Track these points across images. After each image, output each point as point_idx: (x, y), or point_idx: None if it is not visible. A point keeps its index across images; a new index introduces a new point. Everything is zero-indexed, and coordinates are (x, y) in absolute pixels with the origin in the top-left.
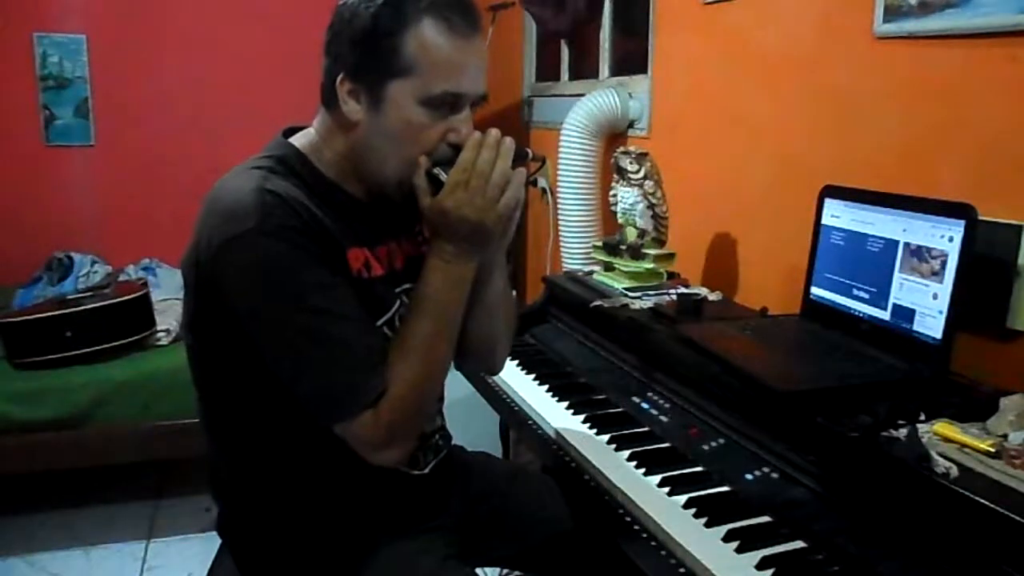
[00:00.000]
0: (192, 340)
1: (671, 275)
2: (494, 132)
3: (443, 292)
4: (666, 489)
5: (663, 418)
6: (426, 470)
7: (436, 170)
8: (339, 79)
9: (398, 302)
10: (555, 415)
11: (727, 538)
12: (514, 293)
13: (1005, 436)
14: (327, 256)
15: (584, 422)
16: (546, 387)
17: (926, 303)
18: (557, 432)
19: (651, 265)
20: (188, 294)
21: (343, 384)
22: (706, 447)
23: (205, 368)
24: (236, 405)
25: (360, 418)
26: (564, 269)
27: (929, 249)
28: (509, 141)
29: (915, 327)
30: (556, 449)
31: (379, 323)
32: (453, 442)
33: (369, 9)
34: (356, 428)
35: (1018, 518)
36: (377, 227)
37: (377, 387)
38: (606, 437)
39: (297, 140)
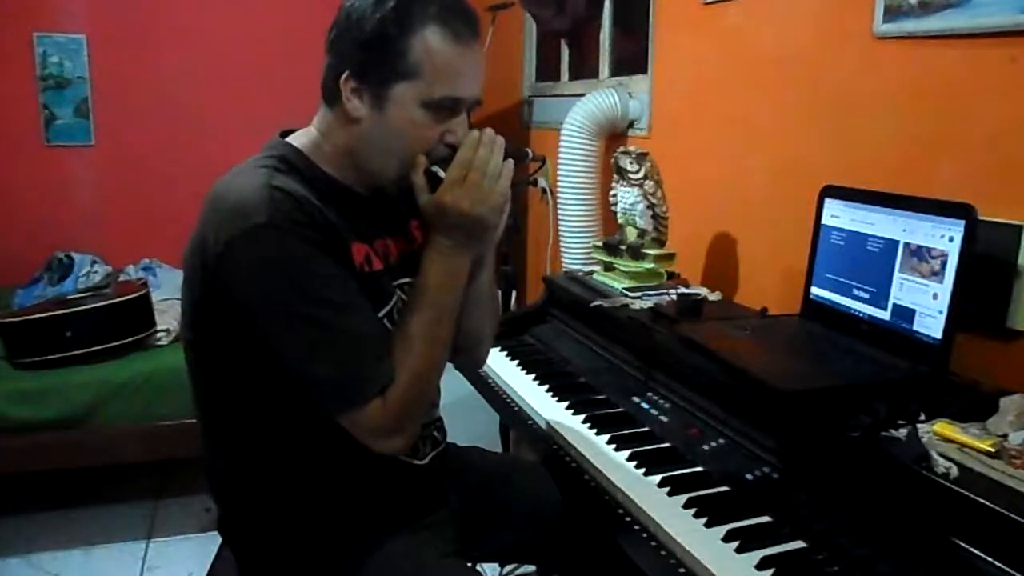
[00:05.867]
0: (193, 337)
1: (671, 275)
2: (489, 131)
3: (441, 284)
4: (666, 489)
5: (663, 418)
6: (425, 460)
7: (434, 168)
8: (343, 78)
9: (396, 296)
10: (555, 415)
11: (727, 538)
12: (513, 294)
13: (1005, 436)
14: (333, 250)
15: (584, 422)
16: (546, 387)
17: (926, 303)
18: (557, 432)
19: (651, 265)
20: (190, 291)
21: (353, 373)
22: (706, 447)
23: (205, 365)
24: (236, 401)
25: (369, 406)
26: (564, 269)
27: (929, 249)
28: (501, 139)
29: (915, 327)
30: (556, 449)
31: (380, 316)
32: (448, 439)
33: (376, 13)
34: (364, 417)
35: (1018, 518)
36: (375, 222)
37: (384, 376)
38: (606, 437)
39: (296, 139)
